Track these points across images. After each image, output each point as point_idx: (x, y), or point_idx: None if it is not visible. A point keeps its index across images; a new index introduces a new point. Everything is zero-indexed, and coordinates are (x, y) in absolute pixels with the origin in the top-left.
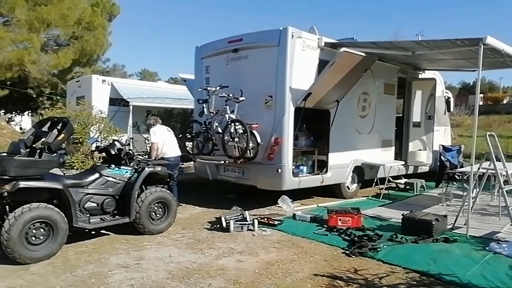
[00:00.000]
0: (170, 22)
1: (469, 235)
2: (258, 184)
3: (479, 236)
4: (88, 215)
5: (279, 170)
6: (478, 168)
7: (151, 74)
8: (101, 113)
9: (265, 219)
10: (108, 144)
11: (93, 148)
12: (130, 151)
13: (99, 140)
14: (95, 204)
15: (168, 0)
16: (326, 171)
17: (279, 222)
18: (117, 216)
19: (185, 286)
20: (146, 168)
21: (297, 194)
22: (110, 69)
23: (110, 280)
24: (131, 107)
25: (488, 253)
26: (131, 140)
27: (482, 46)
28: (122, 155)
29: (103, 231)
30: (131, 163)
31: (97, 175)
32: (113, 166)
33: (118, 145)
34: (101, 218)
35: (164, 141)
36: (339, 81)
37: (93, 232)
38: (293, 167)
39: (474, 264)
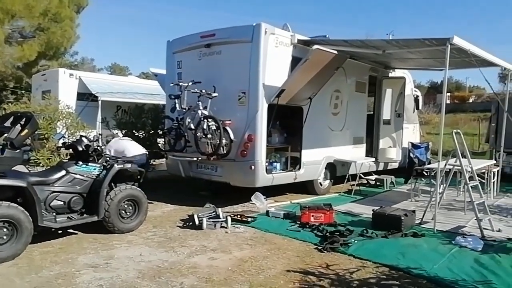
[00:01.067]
0: (142, 16)
1: (436, 230)
2: (231, 181)
3: (446, 231)
4: (54, 213)
5: (253, 167)
6: (445, 165)
7: (121, 68)
8: (68, 108)
9: (238, 216)
10: (76, 140)
11: (60, 144)
12: (99, 148)
13: (66, 136)
14: (62, 203)
15: None
16: (299, 168)
17: (252, 219)
18: (85, 215)
19: (156, 285)
20: (116, 165)
21: (271, 191)
22: (78, 63)
23: (78, 281)
24: (100, 102)
25: (454, 246)
26: (100, 136)
27: (449, 46)
28: (90, 152)
29: (70, 230)
30: (100, 160)
31: (63, 172)
32: (80, 163)
33: (85, 141)
34: (68, 217)
35: (117, 149)
36: (312, 78)
37: (59, 232)
38: (267, 164)
39: (441, 258)
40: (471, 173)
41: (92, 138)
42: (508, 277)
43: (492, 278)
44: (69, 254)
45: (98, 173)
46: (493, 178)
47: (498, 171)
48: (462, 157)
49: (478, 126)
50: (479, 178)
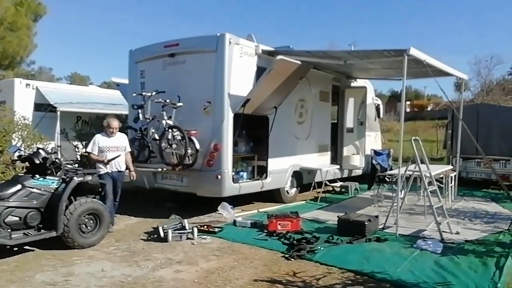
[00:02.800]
0: (103, 25)
1: (398, 234)
2: (197, 192)
3: (407, 235)
4: (9, 230)
5: (219, 176)
6: (405, 171)
7: (82, 78)
8: (24, 120)
9: (205, 226)
10: (32, 152)
11: (15, 158)
12: (57, 160)
13: (22, 149)
14: (17, 218)
15: (99, 3)
16: (266, 177)
17: (219, 229)
18: (42, 230)
19: None
20: (75, 178)
21: (238, 200)
22: (36, 72)
23: None
24: (58, 112)
25: (416, 250)
26: (58, 148)
27: (406, 56)
28: (47, 164)
29: (27, 247)
30: (58, 173)
31: (19, 186)
32: (37, 176)
33: (43, 153)
34: (24, 233)
35: None
36: (277, 88)
37: (15, 249)
38: (233, 173)
39: (403, 261)
40: (430, 178)
41: (50, 151)
42: (466, 278)
43: (451, 279)
44: (26, 272)
45: (56, 186)
46: (451, 183)
47: (455, 176)
48: (421, 163)
49: (436, 133)
50: (438, 183)
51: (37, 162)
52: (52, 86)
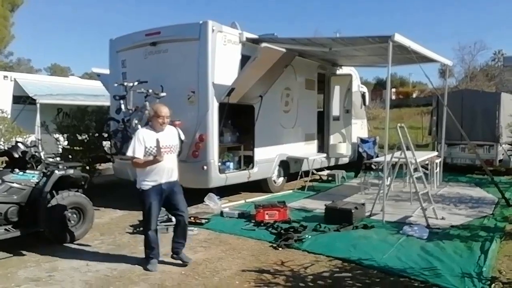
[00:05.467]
0: (83, 14)
1: (385, 221)
2: (183, 183)
3: (394, 221)
4: None
5: (205, 167)
6: (391, 158)
7: (62, 69)
8: (2, 113)
9: (192, 218)
10: (11, 146)
11: None
12: (37, 154)
13: (0, 143)
14: None
15: None
16: (253, 167)
17: (206, 220)
18: (24, 226)
19: None
20: (56, 171)
21: (225, 191)
22: (14, 64)
23: None
24: (38, 105)
25: (402, 236)
26: (39, 141)
27: (390, 43)
28: (27, 158)
29: (8, 243)
30: (39, 167)
31: None
32: (17, 170)
33: (22, 147)
34: (5, 229)
35: None
36: (262, 76)
37: None
38: (219, 163)
39: (390, 248)
40: (415, 165)
41: (29, 144)
42: (452, 262)
43: (437, 264)
44: (8, 268)
45: (37, 180)
46: (436, 169)
47: (440, 162)
48: (407, 150)
49: (421, 119)
50: (423, 169)
51: (16, 156)
52: (31, 77)
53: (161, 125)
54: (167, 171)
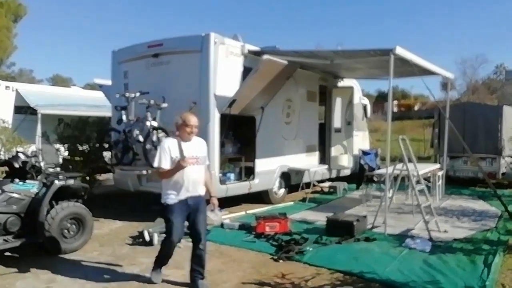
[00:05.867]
0: (85, 26)
1: (387, 233)
2: None
3: (396, 234)
4: None
5: None
6: (393, 170)
7: (64, 79)
8: (3, 123)
9: None
10: (11, 156)
11: None
12: (37, 164)
13: (1, 153)
14: None
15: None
16: (254, 178)
17: (206, 231)
18: (23, 236)
19: None
20: (56, 182)
21: (225, 202)
22: (16, 74)
23: None
24: (39, 115)
25: (404, 249)
26: (39, 151)
27: (392, 56)
28: (27, 168)
29: (7, 254)
30: (39, 177)
31: None
32: (17, 180)
33: (22, 157)
34: (4, 239)
35: None
36: (263, 88)
37: None
38: (220, 174)
39: (392, 261)
40: (417, 177)
41: (30, 154)
42: (455, 276)
43: (440, 278)
44: (6, 279)
45: (37, 190)
46: (438, 181)
47: (442, 174)
48: (409, 162)
49: (423, 132)
50: (425, 182)
51: (17, 166)
52: (32, 88)
53: (189, 134)
54: (193, 183)
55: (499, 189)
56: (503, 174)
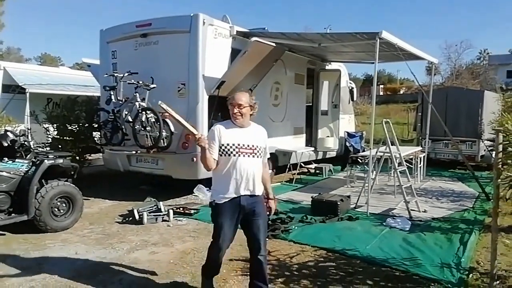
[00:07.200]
0: (74, 4)
1: (369, 213)
2: (173, 174)
3: (378, 213)
4: None
5: (195, 158)
6: (376, 152)
7: (53, 59)
8: None
9: (181, 208)
10: (0, 135)
11: None
12: (26, 143)
13: None
14: None
15: None
16: None
17: (195, 211)
18: (13, 214)
19: (94, 283)
20: (46, 161)
21: None
22: (4, 53)
23: (7, 284)
24: (28, 94)
25: (385, 228)
26: (28, 130)
27: (378, 40)
28: (16, 147)
29: None
30: (28, 156)
31: None
32: (6, 159)
33: (11, 136)
34: None
35: None
36: (252, 70)
37: None
38: None
39: (373, 239)
40: (399, 159)
41: (18, 133)
42: (432, 253)
43: (418, 255)
44: None
45: (26, 169)
46: (420, 163)
47: (424, 157)
48: (392, 145)
49: (407, 115)
50: (407, 164)
51: (5, 144)
52: (21, 67)
53: (234, 115)
54: (246, 179)
55: (478, 171)
56: (482, 157)
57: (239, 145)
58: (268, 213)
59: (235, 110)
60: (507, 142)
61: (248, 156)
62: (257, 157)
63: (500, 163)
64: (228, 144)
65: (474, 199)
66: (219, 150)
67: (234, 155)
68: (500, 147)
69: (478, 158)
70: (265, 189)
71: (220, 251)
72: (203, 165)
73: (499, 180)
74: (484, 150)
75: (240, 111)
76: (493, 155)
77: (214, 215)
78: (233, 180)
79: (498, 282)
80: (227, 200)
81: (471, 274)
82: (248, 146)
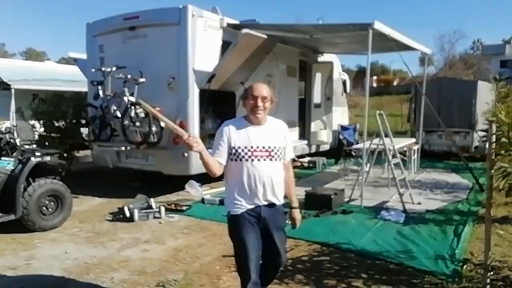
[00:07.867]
0: None
1: (363, 206)
2: (164, 170)
3: (372, 206)
4: None
5: (186, 154)
6: (370, 145)
7: (38, 53)
8: None
9: (173, 205)
10: None
11: None
12: (12, 140)
13: None
14: None
15: None
16: None
17: (187, 207)
18: (0, 214)
19: (84, 282)
20: (33, 159)
21: (206, 178)
22: None
23: None
24: (13, 90)
25: (379, 220)
26: (14, 127)
27: (370, 31)
28: (2, 145)
29: None
30: (14, 153)
31: None
32: None
33: None
34: None
35: None
36: (243, 62)
37: None
38: None
39: (367, 232)
40: (393, 151)
41: (3, 130)
42: (426, 245)
43: (412, 247)
44: None
45: (12, 167)
46: (414, 155)
47: (418, 148)
48: (385, 137)
49: (401, 107)
50: (401, 156)
51: None
52: (5, 62)
53: (253, 109)
54: (263, 187)
55: (472, 162)
56: (475, 147)
57: (252, 147)
58: (292, 224)
59: (258, 103)
60: (501, 132)
61: (264, 159)
62: (275, 160)
63: (494, 153)
64: (239, 148)
65: (468, 190)
66: (230, 155)
67: (247, 160)
68: (493, 138)
69: (472, 149)
70: (288, 196)
71: (250, 271)
72: (209, 172)
73: (493, 171)
74: (478, 141)
75: (264, 106)
76: (487, 146)
77: (231, 229)
78: (248, 189)
79: (492, 273)
80: (243, 210)
81: (465, 266)
82: (263, 148)
